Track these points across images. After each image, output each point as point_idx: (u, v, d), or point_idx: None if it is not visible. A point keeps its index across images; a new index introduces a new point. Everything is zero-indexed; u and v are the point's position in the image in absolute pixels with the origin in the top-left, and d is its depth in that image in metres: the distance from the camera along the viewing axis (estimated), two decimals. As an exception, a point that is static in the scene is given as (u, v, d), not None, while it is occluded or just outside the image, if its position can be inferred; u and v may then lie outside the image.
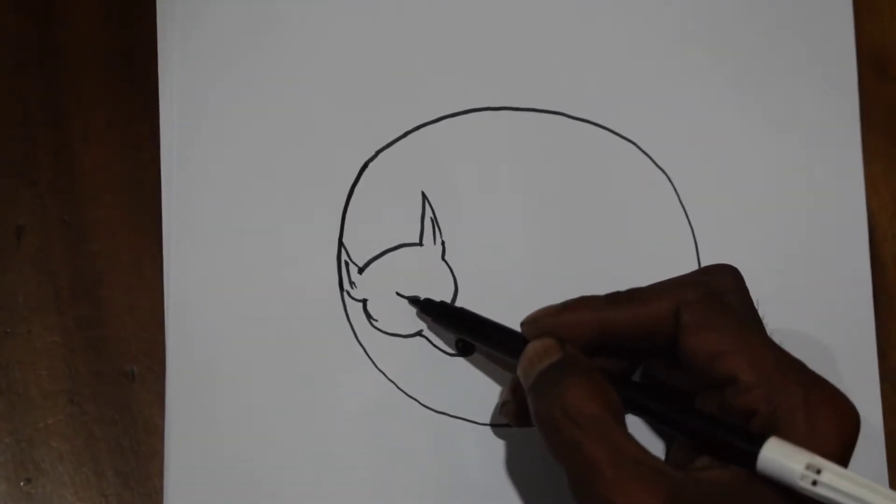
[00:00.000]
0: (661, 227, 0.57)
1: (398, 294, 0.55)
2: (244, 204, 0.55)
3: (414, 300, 0.54)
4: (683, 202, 0.58)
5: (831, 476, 0.41)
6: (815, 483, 0.41)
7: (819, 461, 0.41)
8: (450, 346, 0.54)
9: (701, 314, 0.46)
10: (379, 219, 0.55)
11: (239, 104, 0.56)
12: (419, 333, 0.54)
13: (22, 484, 0.51)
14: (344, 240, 0.55)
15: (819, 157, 0.59)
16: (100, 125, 0.55)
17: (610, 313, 0.47)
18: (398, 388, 0.54)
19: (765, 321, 0.49)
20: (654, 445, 0.52)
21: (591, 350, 0.47)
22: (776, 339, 0.47)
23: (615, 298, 0.47)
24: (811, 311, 0.57)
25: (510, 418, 0.51)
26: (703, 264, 0.57)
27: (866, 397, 0.57)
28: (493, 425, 0.54)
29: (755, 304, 0.48)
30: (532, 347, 0.47)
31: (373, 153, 0.56)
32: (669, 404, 0.46)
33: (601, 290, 0.53)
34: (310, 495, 0.52)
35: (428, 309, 0.54)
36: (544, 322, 0.48)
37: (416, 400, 0.54)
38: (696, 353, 0.45)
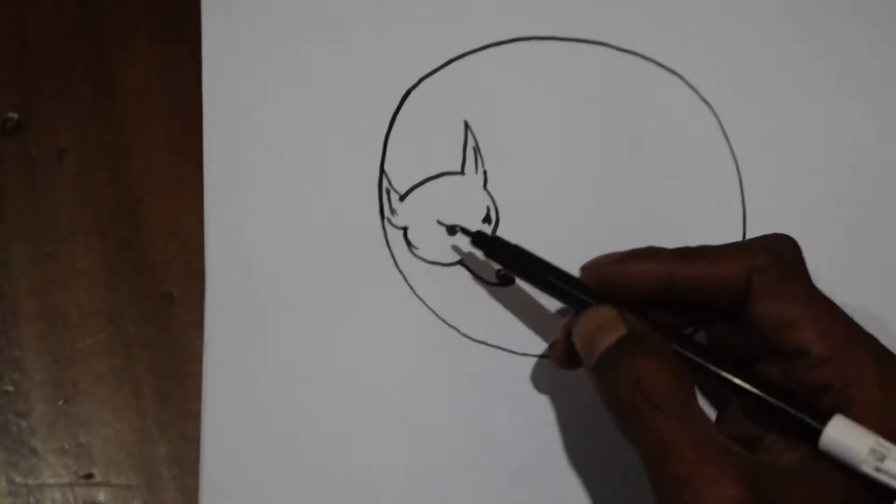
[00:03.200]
0: (705, 162, 0.57)
1: (449, 227, 0.54)
2: (287, 129, 0.54)
3: (466, 231, 0.53)
4: (728, 136, 0.57)
5: None
6: (878, 469, 0.39)
7: (886, 446, 0.40)
8: (490, 275, 0.54)
9: (773, 281, 0.44)
10: (421, 147, 0.55)
11: (284, 28, 0.55)
12: (460, 262, 0.54)
13: (60, 403, 0.51)
14: (386, 167, 0.54)
15: (871, 95, 0.58)
16: (141, 46, 0.55)
17: (679, 268, 0.45)
18: (438, 316, 0.53)
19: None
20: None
21: (650, 305, 0.46)
22: (827, 277, 0.46)
23: (685, 253, 0.46)
24: (863, 247, 0.57)
25: (557, 360, 0.49)
26: (746, 199, 0.56)
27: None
28: (532, 355, 0.53)
29: (813, 278, 0.47)
30: (591, 317, 0.46)
31: (416, 80, 0.56)
32: (735, 369, 0.45)
33: (640, 223, 0.53)
34: (347, 421, 0.52)
35: (480, 242, 0.52)
36: (608, 269, 0.46)
37: (455, 329, 0.53)
38: (766, 320, 0.44)
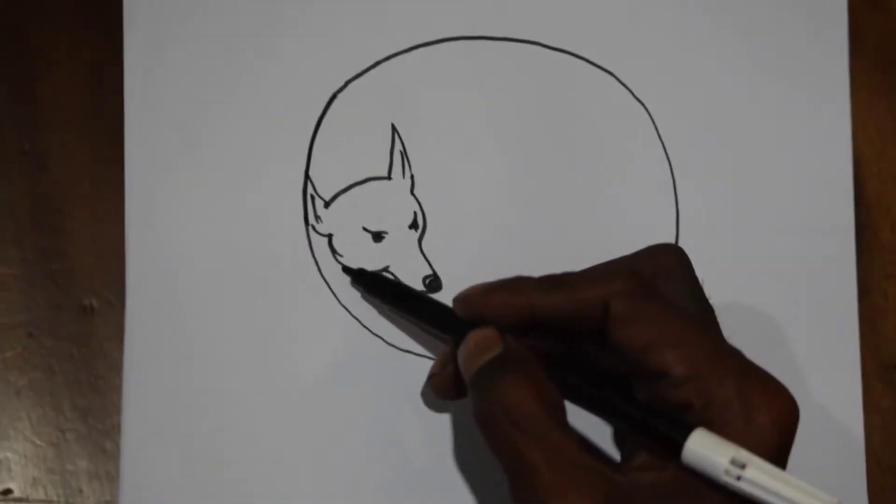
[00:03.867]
0: (639, 161, 0.56)
1: (375, 233, 0.53)
2: (209, 135, 0.53)
3: (346, 269, 0.53)
4: (662, 135, 0.56)
5: (756, 472, 0.39)
6: (739, 478, 0.39)
7: (745, 456, 0.40)
8: (417, 283, 0.53)
9: (630, 305, 0.44)
10: (347, 151, 0.54)
11: (204, 31, 0.54)
12: (385, 269, 0.53)
13: (-20, 417, 0.51)
14: (310, 173, 0.54)
15: (804, 92, 0.57)
16: (61, 51, 0.54)
17: (540, 298, 0.45)
18: (362, 324, 0.53)
19: (711, 300, 0.47)
20: (604, 433, 0.51)
21: (523, 331, 0.46)
22: (754, 280, 0.46)
23: (547, 283, 0.46)
24: (791, 249, 0.56)
25: (436, 390, 0.50)
26: (679, 198, 0.55)
27: (845, 337, 0.56)
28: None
29: (700, 282, 0.47)
30: (473, 338, 0.46)
31: (342, 83, 0.55)
32: (597, 390, 0.45)
33: (572, 225, 0.52)
34: (270, 431, 0.51)
35: (360, 280, 0.52)
36: (474, 301, 0.47)
37: (380, 337, 0.53)
38: (626, 344, 0.44)
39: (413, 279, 0.53)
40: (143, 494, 0.51)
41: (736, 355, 0.43)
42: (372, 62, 0.55)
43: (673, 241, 0.55)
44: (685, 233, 0.55)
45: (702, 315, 0.46)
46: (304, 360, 0.52)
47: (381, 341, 0.53)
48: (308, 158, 0.54)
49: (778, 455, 0.41)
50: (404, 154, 0.54)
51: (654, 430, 0.42)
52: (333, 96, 0.54)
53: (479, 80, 0.55)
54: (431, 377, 0.50)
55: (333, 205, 0.53)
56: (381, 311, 0.53)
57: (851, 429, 0.55)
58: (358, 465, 0.52)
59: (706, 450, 0.40)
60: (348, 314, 0.53)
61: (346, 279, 0.53)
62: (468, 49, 0.56)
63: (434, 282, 0.53)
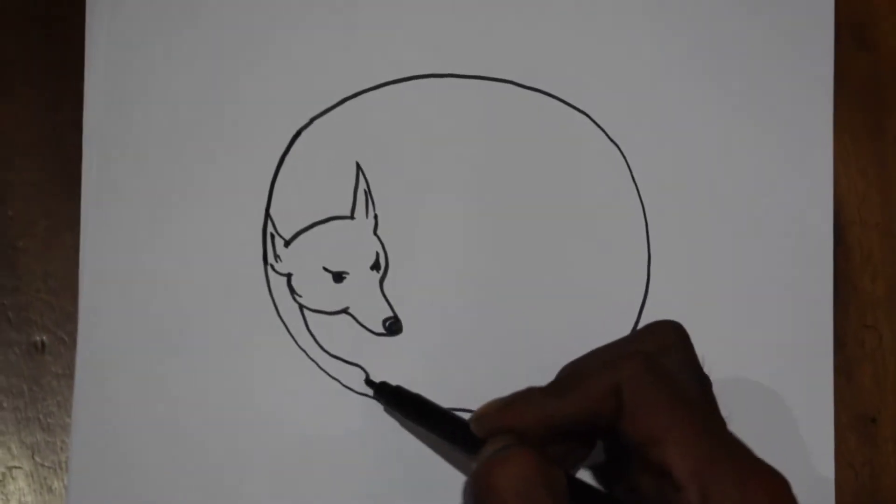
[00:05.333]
0: (611, 202, 0.55)
1: (335, 273, 0.52)
2: (168, 171, 0.53)
3: (369, 382, 0.52)
4: (635, 177, 0.54)
5: None
6: None
7: None
8: (376, 325, 0.52)
9: (640, 392, 0.43)
10: (309, 190, 0.53)
11: (166, 65, 0.54)
12: (345, 311, 0.52)
13: (-72, 453, 0.50)
14: (271, 211, 0.53)
15: (785, 136, 0.56)
16: (17, 82, 0.53)
17: (552, 407, 0.45)
18: (319, 367, 0.52)
19: (711, 377, 0.46)
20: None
21: (544, 441, 0.45)
22: (727, 328, 0.47)
23: (556, 389, 0.45)
24: (766, 297, 0.54)
25: None
26: (651, 242, 0.54)
27: (819, 388, 0.54)
28: (416, 409, 0.52)
29: (700, 360, 0.46)
30: (490, 445, 0.45)
31: (306, 121, 0.54)
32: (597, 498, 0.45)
33: (542, 269, 0.51)
34: (222, 479, 0.50)
35: (382, 392, 0.51)
36: (490, 420, 0.46)
37: (336, 380, 0.52)
38: (633, 437, 0.43)
39: (373, 321, 0.52)
40: (89, 536, 0.50)
41: (736, 450, 0.43)
42: (338, 99, 0.54)
43: (643, 286, 0.54)
44: (656, 277, 0.54)
45: (703, 399, 0.45)
46: (259, 400, 0.51)
47: (336, 383, 0.52)
48: (269, 196, 0.53)
49: None
50: (368, 193, 0.53)
51: None
52: (297, 133, 0.54)
53: (448, 118, 0.54)
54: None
55: (294, 244, 0.52)
56: (338, 354, 0.52)
57: (822, 484, 0.53)
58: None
59: None
60: (305, 356, 0.52)
61: (302, 320, 0.51)
62: (437, 87, 0.55)
63: (394, 324, 0.52)
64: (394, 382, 0.51)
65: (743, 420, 0.45)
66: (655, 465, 0.42)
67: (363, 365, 0.52)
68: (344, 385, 0.52)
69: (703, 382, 0.46)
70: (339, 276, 0.52)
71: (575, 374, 0.46)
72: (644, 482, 0.44)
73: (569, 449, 0.47)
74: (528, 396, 0.46)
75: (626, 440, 0.43)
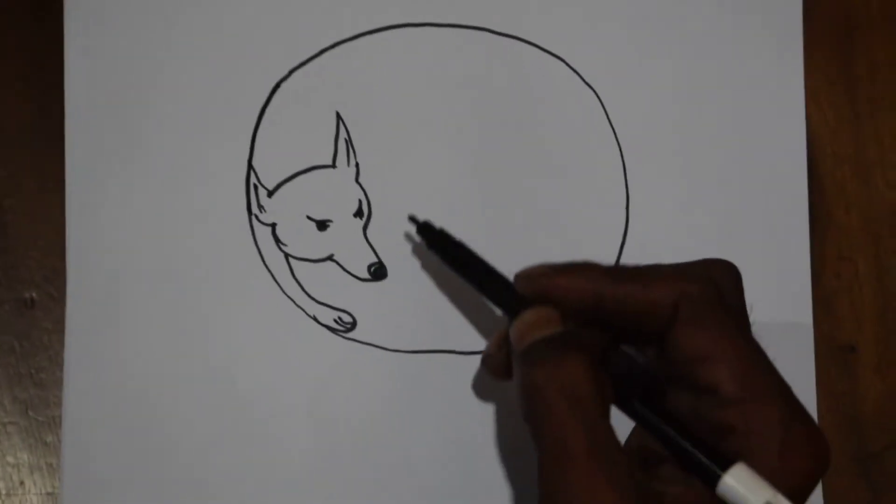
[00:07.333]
0: (589, 146, 0.55)
1: (319, 221, 0.53)
2: (150, 127, 0.53)
3: (412, 219, 0.51)
4: (612, 120, 0.55)
5: None
6: None
7: (781, 502, 0.39)
8: (361, 271, 0.53)
9: (699, 312, 0.42)
10: (291, 141, 0.54)
11: (148, 22, 0.54)
12: (330, 258, 0.53)
13: (-78, 412, 0.50)
14: (254, 162, 0.53)
15: (756, 72, 0.56)
16: (2, 50, 0.53)
17: (609, 288, 0.44)
18: (307, 314, 0.52)
19: (754, 327, 0.45)
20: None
21: (580, 318, 0.45)
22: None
23: (618, 273, 0.44)
24: (743, 233, 0.55)
25: (492, 372, 0.48)
26: (630, 183, 0.55)
27: (799, 320, 0.55)
28: (405, 351, 0.52)
29: (748, 308, 0.45)
30: (533, 313, 0.45)
31: (285, 72, 0.54)
32: (643, 403, 0.43)
33: (522, 213, 0.51)
34: (210, 425, 0.51)
35: (425, 233, 0.51)
36: (539, 282, 0.45)
37: (326, 326, 0.52)
38: (684, 351, 0.42)
39: (358, 267, 0.53)
40: (85, 486, 0.50)
41: (786, 389, 0.42)
42: (316, 50, 0.55)
43: (623, 227, 0.54)
44: (635, 217, 0.55)
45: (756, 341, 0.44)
46: (247, 350, 0.52)
47: (325, 330, 0.52)
48: (251, 148, 0.53)
49: (800, 499, 0.40)
50: (349, 142, 0.54)
51: (695, 456, 0.41)
52: (277, 85, 0.54)
53: (425, 67, 0.55)
54: (486, 358, 0.48)
55: (277, 194, 0.53)
56: (325, 300, 0.52)
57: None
58: (299, 452, 0.51)
59: (743, 488, 0.39)
60: (293, 303, 0.52)
61: (288, 268, 0.52)
62: (414, 36, 0.55)
63: (379, 269, 0.53)
64: (381, 327, 0.52)
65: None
66: (701, 382, 0.42)
67: (350, 311, 0.52)
68: (331, 330, 0.52)
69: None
70: (322, 225, 0.53)
71: (639, 270, 0.44)
72: (682, 400, 0.43)
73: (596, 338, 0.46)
74: (584, 267, 0.45)
75: (676, 352, 0.43)
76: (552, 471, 0.40)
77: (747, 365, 0.41)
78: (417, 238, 0.51)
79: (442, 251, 0.50)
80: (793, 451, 0.40)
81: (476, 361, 0.52)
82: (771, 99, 0.56)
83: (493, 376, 0.48)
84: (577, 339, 0.43)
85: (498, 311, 0.51)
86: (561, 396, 0.41)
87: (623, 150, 0.55)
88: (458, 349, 0.52)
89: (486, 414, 0.52)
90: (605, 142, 0.55)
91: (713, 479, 0.40)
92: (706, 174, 0.55)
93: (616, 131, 0.55)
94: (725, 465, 0.40)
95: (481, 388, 0.52)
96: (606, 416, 0.41)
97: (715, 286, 0.43)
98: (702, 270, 0.44)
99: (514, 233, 0.54)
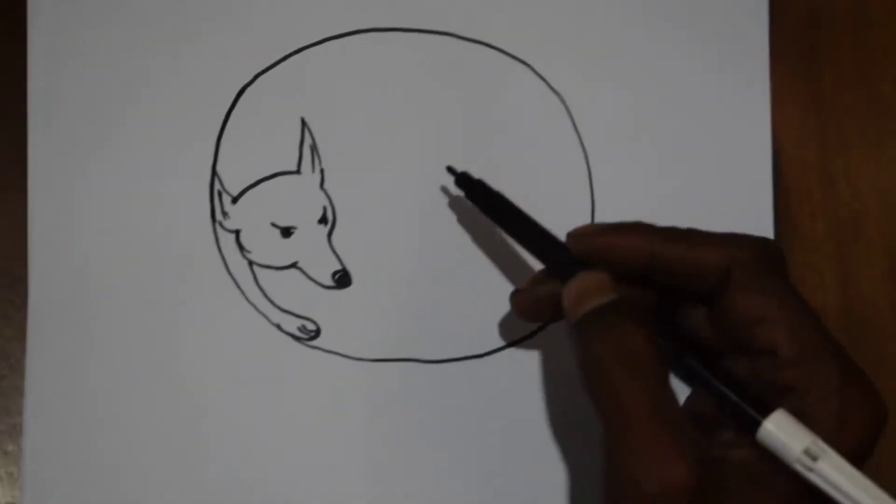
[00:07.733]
0: (555, 152, 0.55)
1: (283, 228, 0.53)
2: (114, 131, 0.53)
3: (450, 169, 0.51)
4: (577, 126, 0.55)
5: (828, 466, 0.39)
6: (810, 469, 0.39)
7: (821, 447, 0.39)
8: (325, 278, 0.52)
9: (753, 274, 0.43)
10: (255, 146, 0.53)
11: (110, 25, 0.53)
12: (294, 265, 0.52)
13: None
14: (218, 168, 0.53)
15: (723, 77, 0.56)
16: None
17: (662, 247, 0.44)
18: (270, 321, 0.52)
19: None
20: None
21: (630, 279, 0.45)
22: None
23: (671, 234, 0.45)
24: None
25: (521, 309, 0.48)
26: (595, 190, 0.55)
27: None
28: (367, 360, 0.52)
29: None
30: (585, 279, 0.45)
31: (250, 77, 0.54)
32: (700, 357, 0.44)
33: (486, 220, 0.51)
34: (173, 432, 0.51)
35: (464, 184, 0.50)
36: (592, 240, 0.45)
37: (289, 334, 0.52)
38: (740, 313, 0.43)
39: (322, 274, 0.52)
40: (46, 496, 0.50)
41: (842, 350, 0.42)
42: (281, 55, 0.54)
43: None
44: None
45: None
46: (210, 358, 0.51)
47: (288, 338, 0.52)
48: (215, 153, 0.53)
49: (857, 457, 0.40)
50: (314, 148, 0.53)
51: (736, 403, 0.42)
52: (242, 90, 0.54)
53: (391, 72, 0.55)
54: (516, 293, 0.48)
55: (241, 200, 0.53)
56: (288, 308, 0.52)
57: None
58: (261, 460, 0.51)
59: (783, 433, 0.40)
60: (255, 311, 0.52)
61: (251, 276, 0.52)
62: (380, 41, 0.55)
63: (343, 277, 0.52)
64: (345, 335, 0.52)
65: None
66: (758, 344, 0.42)
67: (314, 318, 0.52)
68: (295, 338, 0.52)
69: None
70: (286, 231, 0.53)
71: (692, 232, 0.45)
72: (739, 364, 0.44)
73: (646, 303, 0.46)
74: (637, 227, 0.45)
75: (731, 315, 0.43)
76: (617, 437, 0.40)
77: (804, 326, 0.42)
78: (455, 190, 0.51)
79: (483, 204, 0.50)
80: (851, 410, 0.41)
81: (440, 370, 0.52)
82: (737, 106, 0.56)
83: (517, 314, 0.48)
84: (632, 306, 0.43)
85: (507, 293, 0.50)
86: (623, 368, 0.41)
87: (588, 156, 0.55)
88: (422, 358, 0.52)
89: (449, 422, 0.52)
90: (571, 148, 0.55)
91: (754, 427, 0.41)
92: (671, 182, 0.55)
93: (581, 137, 0.55)
94: (767, 413, 0.41)
95: (445, 396, 0.52)
96: (667, 382, 0.42)
97: (766, 251, 0.44)
98: (753, 238, 0.45)
99: (480, 238, 0.54)
